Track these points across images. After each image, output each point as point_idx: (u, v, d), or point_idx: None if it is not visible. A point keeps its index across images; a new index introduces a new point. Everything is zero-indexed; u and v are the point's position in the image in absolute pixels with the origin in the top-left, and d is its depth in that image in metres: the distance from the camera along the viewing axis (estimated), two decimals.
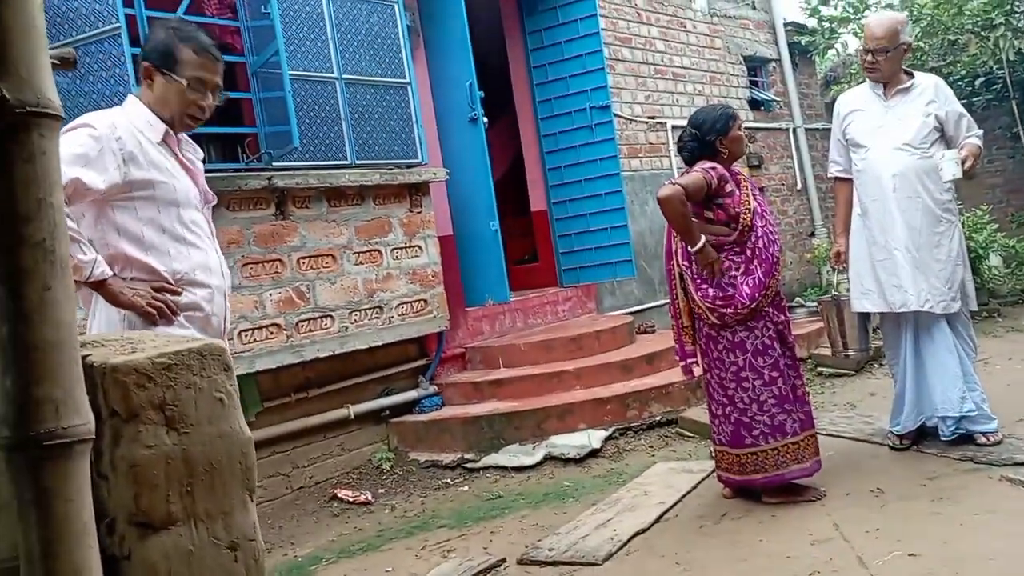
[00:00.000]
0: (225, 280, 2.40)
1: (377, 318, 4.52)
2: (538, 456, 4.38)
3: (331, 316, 4.32)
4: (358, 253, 4.48)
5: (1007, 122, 9.29)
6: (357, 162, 4.48)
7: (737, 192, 3.35)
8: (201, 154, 2.47)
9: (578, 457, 4.34)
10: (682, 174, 3.51)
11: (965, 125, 3.72)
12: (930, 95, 3.71)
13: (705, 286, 3.34)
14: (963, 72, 9.30)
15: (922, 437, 3.81)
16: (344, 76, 4.48)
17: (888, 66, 3.69)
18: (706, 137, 3.40)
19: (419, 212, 4.80)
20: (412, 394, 4.91)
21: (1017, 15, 8.60)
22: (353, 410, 4.61)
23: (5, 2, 0.83)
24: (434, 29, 5.31)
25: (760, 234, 3.35)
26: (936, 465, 3.51)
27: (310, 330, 4.22)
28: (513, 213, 7.10)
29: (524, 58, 6.39)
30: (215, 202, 2.52)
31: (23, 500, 0.82)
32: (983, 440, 3.61)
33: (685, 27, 7.95)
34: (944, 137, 3.70)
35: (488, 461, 4.45)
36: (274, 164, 4.12)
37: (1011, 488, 3.13)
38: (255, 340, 4.00)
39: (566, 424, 4.60)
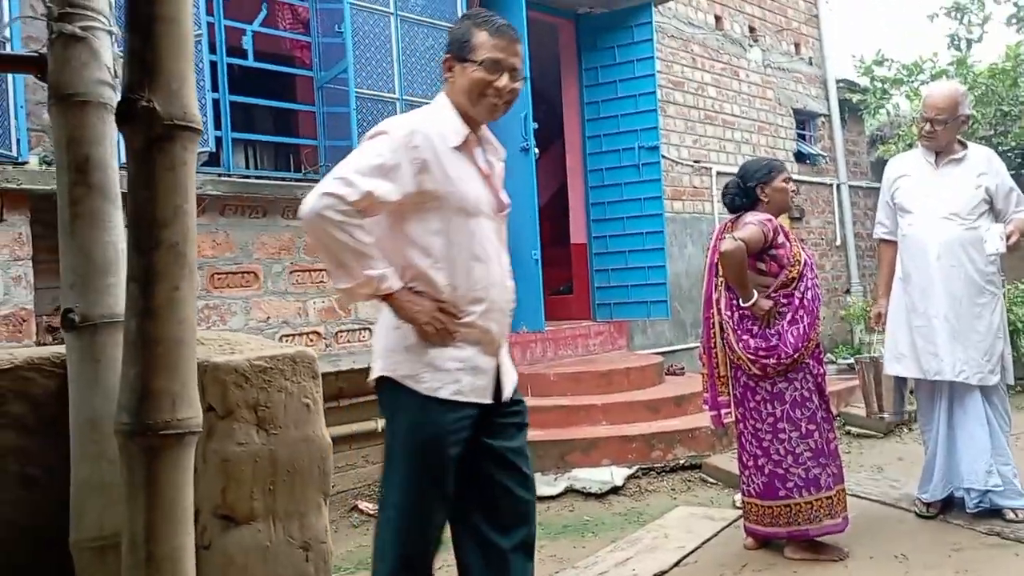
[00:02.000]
0: (507, 293, 2.30)
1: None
2: (559, 487, 4.40)
3: (369, 329, 4.39)
4: None
5: None
6: None
7: (788, 244, 3.39)
8: (503, 153, 2.39)
9: (599, 492, 4.35)
10: (730, 223, 3.55)
11: (1015, 199, 3.73)
12: (982, 167, 3.73)
13: (747, 337, 3.36)
14: (1013, 143, 9.25)
15: (950, 507, 3.78)
16: (405, 96, 4.59)
17: (945, 136, 3.72)
18: (747, 183, 3.46)
19: None
20: None
21: None
22: (381, 424, 4.65)
23: (160, 18, 0.91)
24: None
25: (809, 285, 3.39)
26: (962, 536, 3.49)
27: (348, 341, 4.30)
28: (552, 243, 7.16)
29: (578, 92, 6.48)
30: (509, 209, 2.38)
31: (133, 483, 0.89)
32: (1011, 516, 3.58)
33: (738, 76, 8.02)
34: (993, 210, 3.72)
35: None
36: None
37: None
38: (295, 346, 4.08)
39: (589, 458, 4.61)
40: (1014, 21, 8.62)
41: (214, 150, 3.70)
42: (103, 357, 1.03)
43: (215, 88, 3.68)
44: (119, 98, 0.91)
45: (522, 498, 2.31)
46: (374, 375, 2.16)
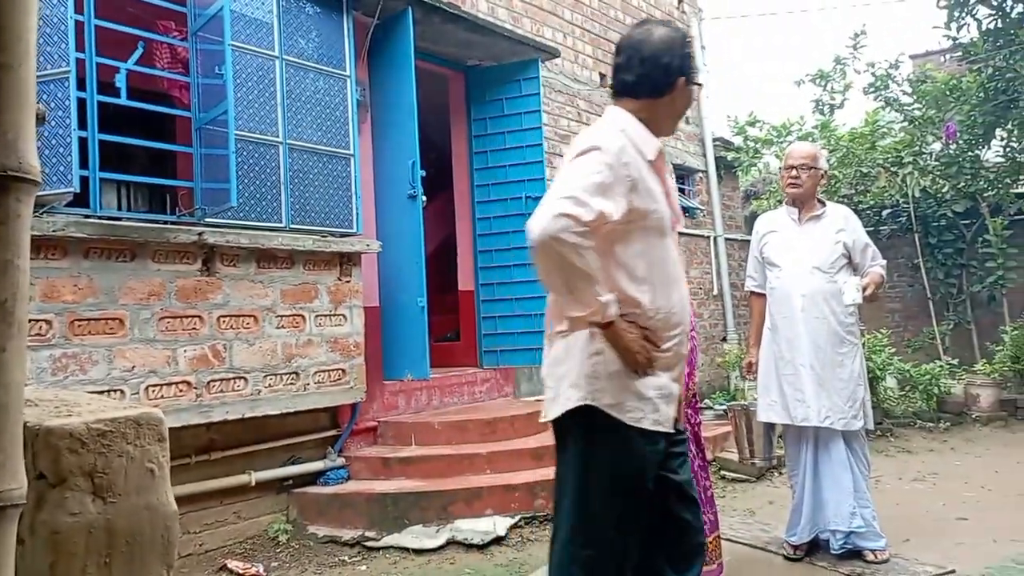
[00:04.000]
0: (688, 315, 2.21)
1: (292, 384, 4.45)
2: (441, 539, 4.32)
3: (245, 378, 4.23)
4: (281, 316, 4.44)
5: (909, 252, 9.96)
6: (291, 226, 4.49)
7: None
8: (670, 167, 2.26)
9: (482, 543, 4.30)
10: None
11: (871, 254, 4.00)
12: (840, 224, 3.99)
13: None
14: (872, 202, 9.98)
15: (815, 549, 3.94)
16: (289, 141, 4.52)
17: (809, 183, 3.97)
18: None
19: (348, 281, 4.80)
20: (318, 464, 4.81)
21: (924, 156, 9.34)
22: (255, 476, 4.48)
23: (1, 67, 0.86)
24: (383, 106, 5.43)
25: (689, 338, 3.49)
26: None
27: (221, 391, 4.12)
28: (440, 290, 7.15)
29: (467, 142, 6.56)
30: (681, 226, 2.25)
31: None
32: (871, 557, 3.76)
33: None
34: (851, 263, 3.97)
35: (390, 541, 4.35)
36: (206, 220, 4.08)
37: None
38: (162, 396, 3.88)
39: (473, 509, 4.56)
40: (872, 90, 9.34)
41: (79, 190, 3.51)
42: None
43: (82, 126, 3.51)
44: None
45: (698, 532, 2.24)
46: (570, 404, 2.02)
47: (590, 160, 1.96)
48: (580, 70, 7.78)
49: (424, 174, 5.30)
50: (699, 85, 2.22)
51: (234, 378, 4.18)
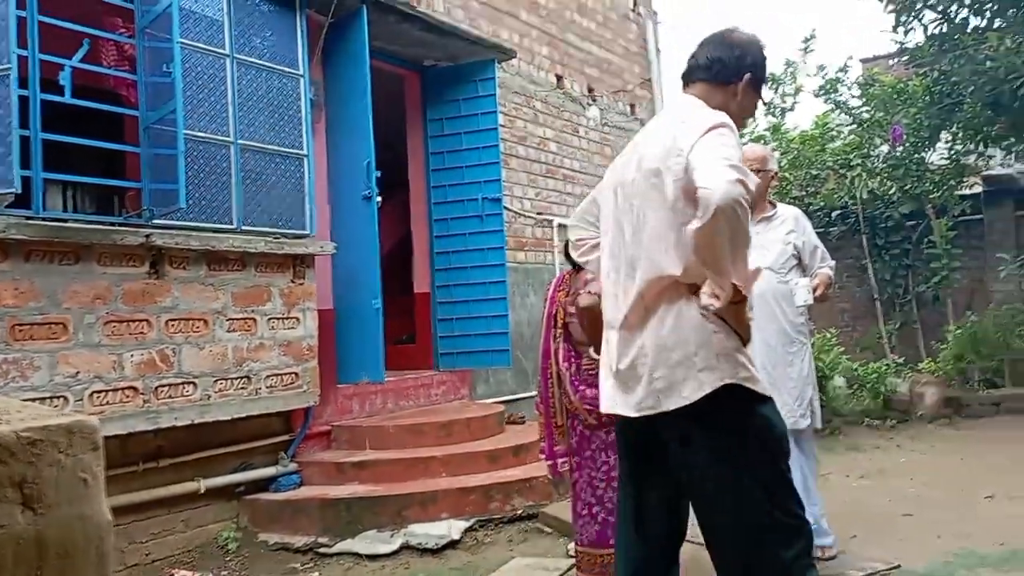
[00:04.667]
0: None
1: (244, 389, 4.38)
2: (395, 544, 4.29)
3: (194, 383, 4.15)
4: (232, 320, 4.37)
5: (857, 253, 10.18)
6: (243, 228, 4.42)
7: None
8: None
9: (436, 547, 4.27)
10: (568, 275, 3.65)
11: (820, 255, 4.07)
12: (790, 225, 4.05)
13: (583, 387, 3.44)
14: (822, 204, 10.18)
15: None
16: (240, 141, 4.45)
17: (759, 185, 4.02)
18: None
19: (301, 284, 4.74)
20: (270, 471, 4.73)
21: (872, 158, 9.56)
22: (204, 484, 4.39)
23: None
24: (337, 105, 5.38)
25: None
26: None
27: (170, 396, 4.04)
28: (395, 292, 7.10)
29: (423, 143, 6.53)
30: None
31: None
32: (819, 554, 3.81)
33: (578, 132, 8.37)
34: (800, 264, 4.03)
35: (343, 547, 4.31)
36: (154, 222, 4.00)
37: None
38: (108, 403, 3.79)
39: (428, 512, 4.54)
40: (821, 93, 9.53)
41: (21, 191, 3.41)
42: None
43: (24, 125, 3.41)
44: None
45: None
46: (708, 387, 1.96)
47: (728, 135, 1.96)
48: (537, 71, 7.80)
49: (379, 175, 5.26)
50: (763, 100, 2.29)
51: (183, 383, 4.10)
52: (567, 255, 3.69)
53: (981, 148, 9.07)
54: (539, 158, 7.69)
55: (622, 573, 2.21)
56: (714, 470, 2.00)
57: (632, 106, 9.50)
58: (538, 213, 7.57)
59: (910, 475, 5.64)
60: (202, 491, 4.38)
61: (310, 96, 4.94)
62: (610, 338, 2.19)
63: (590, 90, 8.68)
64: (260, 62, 4.62)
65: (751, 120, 2.33)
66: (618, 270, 2.18)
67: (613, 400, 2.17)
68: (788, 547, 1.98)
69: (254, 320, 4.47)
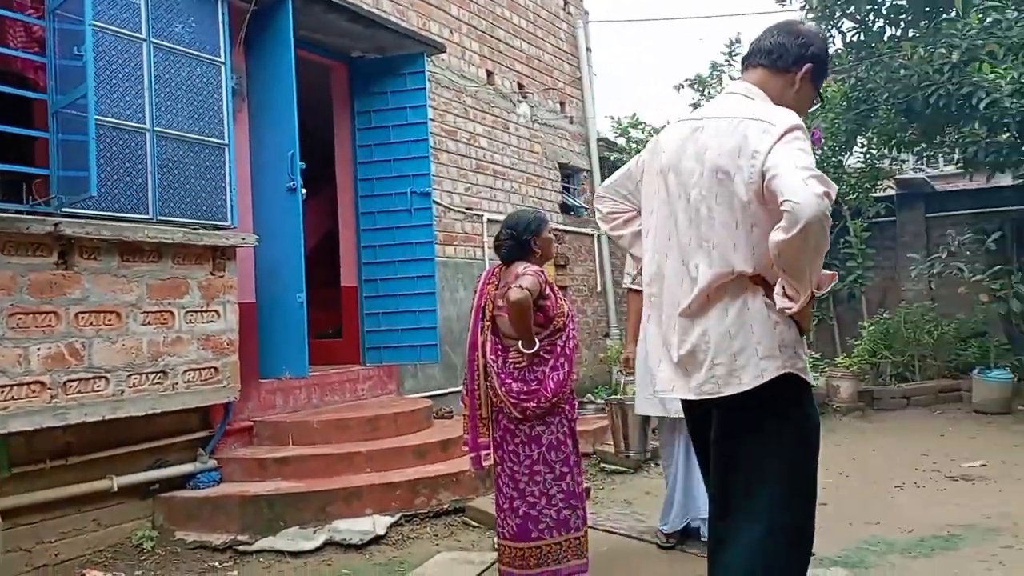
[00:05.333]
0: None
1: (159, 383, 4.24)
2: (318, 541, 4.23)
3: (106, 378, 4.00)
4: (148, 313, 4.22)
5: None
6: (159, 218, 4.27)
7: (553, 296, 3.53)
8: None
9: (361, 543, 4.23)
10: (498, 269, 3.65)
11: None
12: None
13: (509, 381, 3.45)
14: None
15: (687, 537, 4.08)
16: (156, 128, 4.30)
17: None
18: (522, 237, 3.58)
19: (221, 276, 4.61)
20: (188, 467, 4.60)
21: None
22: (117, 481, 4.24)
23: None
24: (260, 94, 5.25)
25: (571, 335, 3.55)
26: (696, 565, 3.77)
27: (80, 391, 3.88)
28: (321, 286, 6.99)
29: (350, 136, 6.43)
30: None
31: None
32: None
33: (508, 129, 8.38)
34: None
35: (264, 544, 4.22)
36: (64, 210, 3.83)
37: None
38: (12, 398, 3.61)
39: (352, 508, 4.48)
40: None
41: None
42: None
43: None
44: None
45: None
46: (768, 375, 2.02)
47: (803, 140, 1.99)
48: (467, 66, 7.78)
49: (304, 166, 5.16)
50: (820, 96, 2.38)
51: (94, 378, 3.94)
52: (496, 249, 3.69)
53: (895, 153, 9.44)
54: (469, 153, 7.67)
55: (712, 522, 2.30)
56: (757, 452, 2.08)
57: (562, 104, 9.57)
58: (468, 208, 7.55)
59: (825, 465, 5.76)
60: (115, 489, 4.23)
61: (232, 84, 4.80)
62: (663, 318, 2.21)
63: (520, 87, 8.70)
64: (179, 47, 4.47)
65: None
66: (668, 254, 2.21)
67: (672, 383, 2.21)
68: (800, 540, 2.10)
69: (171, 313, 4.34)
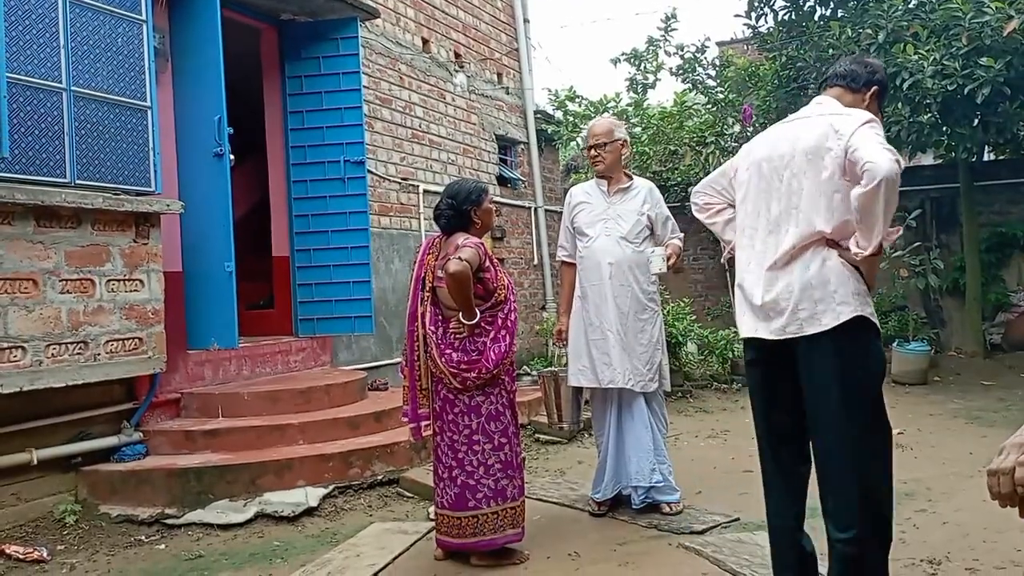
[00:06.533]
0: None
1: (80, 354, 4.09)
2: (249, 513, 4.16)
3: (23, 347, 3.84)
4: (67, 281, 4.06)
5: None
6: (78, 182, 4.10)
7: (493, 269, 3.52)
8: None
9: (292, 515, 4.18)
10: (439, 240, 3.61)
11: (670, 227, 4.23)
12: (644, 197, 4.19)
13: (449, 351, 3.44)
14: (680, 179, 10.58)
15: (618, 504, 4.15)
16: (74, 88, 4.11)
17: (611, 157, 4.13)
18: (462, 207, 3.55)
19: (145, 244, 4.46)
20: (112, 440, 4.47)
21: (725, 136, 10.00)
22: (37, 455, 4.10)
23: None
24: (185, 55, 5.06)
25: (511, 308, 3.55)
26: (627, 531, 3.85)
27: None
28: (252, 256, 6.83)
29: (281, 101, 6.26)
30: None
31: None
32: (667, 509, 4.02)
33: (444, 99, 8.28)
34: (653, 235, 4.18)
35: (192, 518, 4.14)
36: None
37: (685, 554, 3.50)
38: None
39: (284, 481, 4.42)
40: (680, 72, 9.84)
41: None
42: None
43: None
44: None
45: None
46: (844, 316, 2.45)
47: (879, 128, 2.48)
48: (402, 33, 7.64)
49: (232, 132, 5.01)
50: (882, 113, 2.81)
51: (10, 348, 3.78)
52: (436, 219, 3.66)
53: None
54: (405, 122, 7.56)
55: (768, 456, 2.77)
56: (837, 380, 2.47)
57: (499, 75, 9.49)
58: (403, 178, 7.46)
59: (751, 434, 5.96)
60: (35, 462, 4.08)
61: (154, 44, 4.61)
62: (747, 279, 2.68)
63: (457, 56, 8.60)
64: (96, 3, 4.26)
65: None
66: (756, 228, 2.67)
67: (755, 327, 2.63)
68: (884, 445, 2.51)
69: (92, 281, 4.18)
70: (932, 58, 6.74)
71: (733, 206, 2.91)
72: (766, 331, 2.59)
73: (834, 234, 2.51)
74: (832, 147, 2.49)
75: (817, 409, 2.52)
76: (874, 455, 2.47)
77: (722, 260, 4.35)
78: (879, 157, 2.32)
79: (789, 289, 2.54)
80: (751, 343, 2.69)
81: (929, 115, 7.05)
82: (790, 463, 2.70)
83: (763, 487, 2.79)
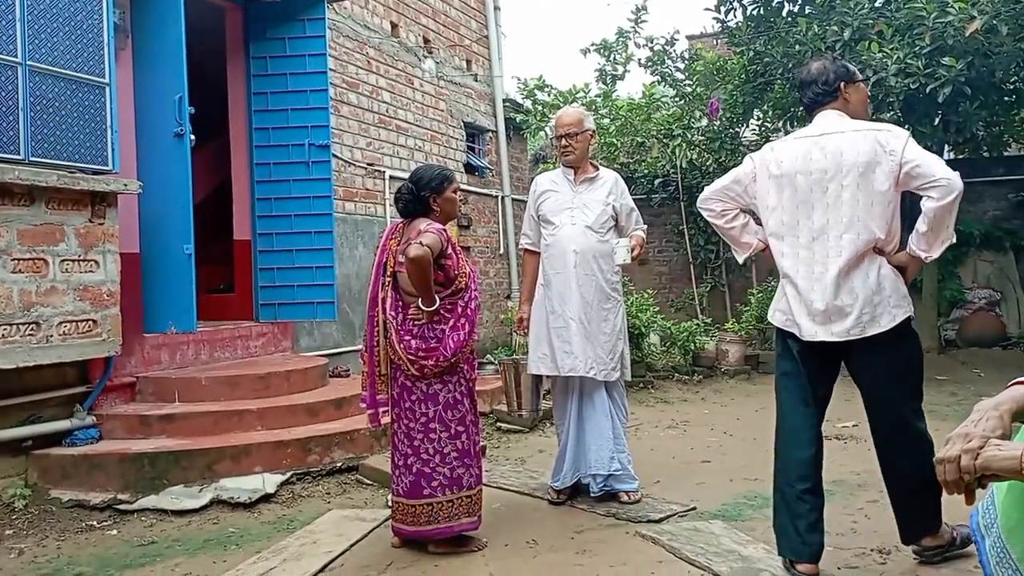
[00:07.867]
0: None
1: (32, 335, 4.00)
2: (204, 499, 4.11)
3: None
4: (18, 260, 3.95)
5: (676, 220, 10.74)
6: (32, 159, 3.99)
7: (455, 256, 3.49)
8: None
9: (249, 502, 4.14)
10: (402, 226, 3.58)
11: (635, 219, 4.25)
12: (610, 187, 4.20)
13: (408, 338, 3.41)
14: (646, 171, 10.64)
15: (577, 493, 4.17)
16: (30, 63, 3.99)
17: (580, 146, 4.13)
18: (421, 193, 3.52)
19: (101, 224, 4.36)
20: (64, 424, 4.38)
21: (692, 130, 10.05)
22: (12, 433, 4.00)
23: None
24: (146, 32, 4.95)
25: (472, 296, 3.53)
26: (585, 519, 3.87)
27: None
28: (213, 239, 6.73)
29: (244, 82, 6.16)
30: None
31: None
32: (625, 498, 4.05)
33: (413, 84, 8.21)
34: (617, 226, 4.19)
35: (145, 503, 4.07)
36: None
37: (642, 542, 3.53)
38: None
39: (240, 466, 4.37)
40: (649, 64, 9.86)
41: None
42: None
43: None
44: None
45: None
46: (899, 317, 2.90)
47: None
48: (370, 16, 7.56)
49: (193, 111, 4.91)
50: (862, 81, 3.16)
51: None
52: (397, 204, 3.62)
53: (788, 127, 9.76)
54: (371, 107, 7.49)
55: (805, 436, 3.12)
56: (891, 372, 2.97)
57: (468, 62, 9.44)
58: (369, 164, 7.39)
59: (711, 425, 6.08)
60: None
61: (114, 20, 4.50)
62: (800, 284, 2.98)
63: (426, 41, 8.54)
64: None
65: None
66: (798, 236, 2.98)
67: (815, 331, 2.96)
68: (922, 420, 3.03)
69: (45, 261, 4.08)
70: (896, 56, 6.84)
71: (746, 212, 3.22)
72: (827, 334, 2.93)
73: (886, 240, 2.89)
74: (882, 161, 2.83)
75: (879, 393, 3.00)
76: (918, 416, 3.01)
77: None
78: (950, 173, 2.71)
79: (853, 295, 2.89)
80: (799, 339, 3.02)
81: (892, 113, 7.15)
82: (814, 420, 3.11)
83: (782, 439, 3.16)
